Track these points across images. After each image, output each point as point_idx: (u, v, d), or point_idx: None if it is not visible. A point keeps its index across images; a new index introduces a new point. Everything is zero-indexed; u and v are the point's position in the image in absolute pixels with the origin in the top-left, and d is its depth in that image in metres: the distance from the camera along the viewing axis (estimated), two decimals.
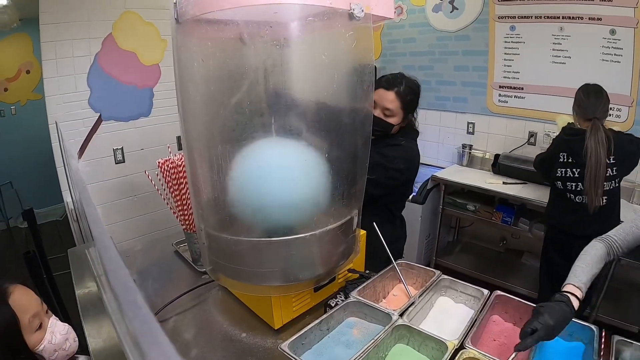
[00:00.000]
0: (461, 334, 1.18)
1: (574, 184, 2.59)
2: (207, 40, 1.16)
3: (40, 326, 1.33)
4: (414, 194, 3.70)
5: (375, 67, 4.49)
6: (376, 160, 1.81)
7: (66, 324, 1.42)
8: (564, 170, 2.61)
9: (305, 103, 1.17)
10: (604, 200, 2.53)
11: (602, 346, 1.17)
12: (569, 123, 2.71)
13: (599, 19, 3.29)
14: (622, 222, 2.32)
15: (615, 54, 3.28)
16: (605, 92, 2.55)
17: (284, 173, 1.12)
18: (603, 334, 1.20)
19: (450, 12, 3.99)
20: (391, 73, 1.99)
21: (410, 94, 1.93)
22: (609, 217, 2.61)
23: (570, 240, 2.63)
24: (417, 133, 2.09)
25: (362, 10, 1.02)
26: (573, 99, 2.64)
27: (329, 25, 1.12)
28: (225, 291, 1.62)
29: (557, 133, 2.82)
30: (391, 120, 1.91)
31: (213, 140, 1.19)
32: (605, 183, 2.49)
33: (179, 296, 1.56)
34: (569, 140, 2.58)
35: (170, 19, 1.07)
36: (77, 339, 1.43)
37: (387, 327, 1.18)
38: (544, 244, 2.95)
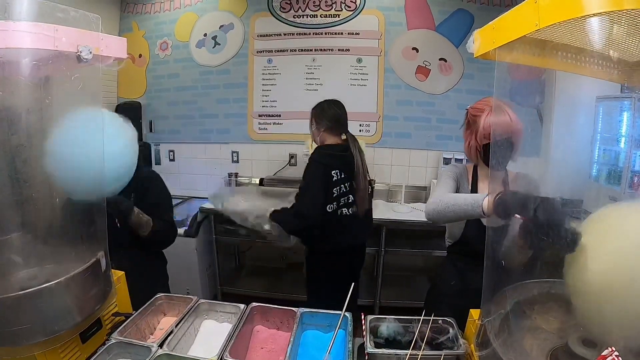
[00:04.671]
0: (220, 349, 1.25)
1: (345, 198, 2.54)
2: None
3: None
4: (185, 227, 3.68)
5: (140, 104, 4.48)
6: (163, 198, 2.16)
7: None
8: (339, 187, 2.50)
9: (34, 147, 1.14)
10: (369, 204, 2.66)
11: (364, 327, 1.33)
12: (316, 147, 2.63)
13: (348, 50, 3.94)
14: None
15: (362, 79, 3.95)
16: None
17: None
18: (362, 316, 1.36)
19: (213, 47, 4.22)
20: None
21: None
22: (370, 222, 2.80)
23: (346, 257, 2.67)
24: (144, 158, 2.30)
25: (91, 52, 1.03)
26: (315, 117, 2.63)
27: (57, 68, 1.13)
28: None
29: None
30: None
31: None
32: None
33: None
34: (341, 156, 2.51)
35: None
36: None
37: None
38: (313, 266, 2.81)
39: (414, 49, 3.86)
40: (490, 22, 1.05)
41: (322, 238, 2.57)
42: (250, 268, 4.61)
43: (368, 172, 2.70)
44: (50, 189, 1.16)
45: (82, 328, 1.33)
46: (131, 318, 1.44)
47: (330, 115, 2.57)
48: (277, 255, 4.50)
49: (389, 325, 1.40)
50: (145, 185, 2.04)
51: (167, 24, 4.38)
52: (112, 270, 1.45)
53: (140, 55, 4.46)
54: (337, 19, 3.91)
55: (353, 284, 1.41)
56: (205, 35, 4.24)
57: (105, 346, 1.29)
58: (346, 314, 1.39)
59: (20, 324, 1.11)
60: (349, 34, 3.92)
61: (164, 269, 2.32)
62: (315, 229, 2.51)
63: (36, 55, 1.01)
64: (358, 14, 3.87)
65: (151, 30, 4.46)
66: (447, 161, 3.75)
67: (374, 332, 1.39)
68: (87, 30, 1.05)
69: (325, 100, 2.66)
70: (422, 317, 1.39)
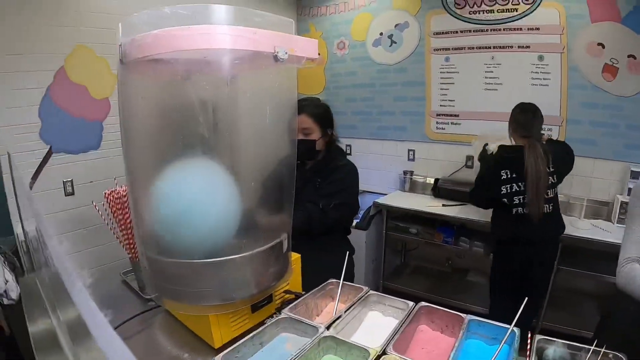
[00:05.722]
0: (384, 341, 1.28)
1: (521, 197, 2.69)
2: (147, 78, 1.28)
3: None
4: (357, 220, 3.83)
5: (319, 99, 4.69)
6: (333, 187, 2.15)
7: None
8: (509, 186, 2.70)
9: (233, 137, 1.28)
10: (550, 208, 2.71)
11: (529, 346, 1.27)
12: (500, 145, 2.85)
13: (528, 47, 3.66)
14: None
15: (544, 78, 3.63)
16: (540, 110, 2.73)
17: (211, 201, 1.23)
18: (529, 335, 1.30)
19: (389, 46, 4.29)
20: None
21: (319, 109, 2.23)
22: (556, 222, 2.82)
23: (523, 250, 2.79)
24: (344, 152, 2.40)
25: (286, 53, 1.11)
26: (509, 118, 2.83)
27: (256, 66, 1.25)
28: (170, 316, 1.68)
29: (475, 155, 3.10)
30: (312, 137, 2.18)
31: (148, 171, 1.30)
32: (548, 191, 2.67)
33: (124, 322, 1.60)
34: (510, 158, 2.70)
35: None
36: None
37: (313, 339, 1.27)
38: (495, 262, 3.08)
39: (599, 44, 3.39)
40: None
41: (500, 230, 2.96)
42: (414, 267, 4.63)
43: (554, 181, 2.72)
44: (248, 175, 1.31)
45: (256, 300, 1.46)
46: (303, 297, 1.54)
47: (514, 118, 2.78)
48: (443, 258, 4.44)
49: (556, 349, 1.31)
50: (335, 173, 2.20)
51: (343, 25, 4.57)
52: (291, 252, 1.55)
53: (318, 54, 4.68)
54: (514, 13, 3.64)
55: (527, 298, 1.36)
56: (381, 34, 4.33)
57: (275, 319, 1.40)
58: (514, 329, 1.33)
59: (203, 287, 1.28)
60: (528, 29, 3.63)
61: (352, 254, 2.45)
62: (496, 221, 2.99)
63: (237, 55, 1.12)
64: (537, 7, 3.55)
65: (328, 30, 4.70)
66: (635, 175, 3.27)
67: (539, 353, 1.31)
68: (282, 33, 1.14)
69: (519, 103, 2.83)
70: (592, 347, 1.29)
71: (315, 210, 2.09)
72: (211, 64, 1.17)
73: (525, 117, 2.74)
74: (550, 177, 2.68)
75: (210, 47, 1.02)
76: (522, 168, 2.65)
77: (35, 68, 3.05)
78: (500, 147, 2.82)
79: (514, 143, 2.80)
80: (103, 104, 3.45)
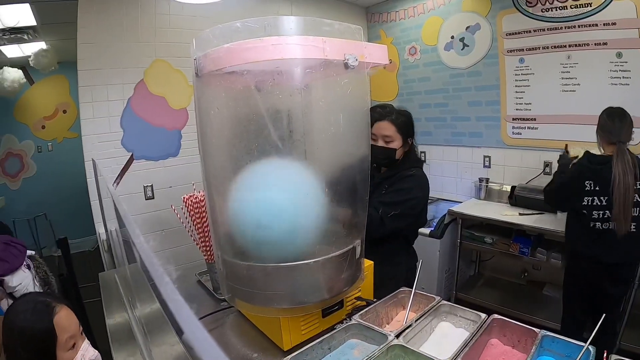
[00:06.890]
0: (453, 354, 1.24)
1: (600, 212, 2.55)
2: (221, 90, 1.33)
3: (73, 346, 1.50)
4: (431, 228, 3.76)
5: (392, 106, 4.67)
6: (397, 196, 2.07)
7: (96, 351, 1.58)
8: (590, 199, 2.56)
9: (307, 144, 1.31)
10: (633, 227, 2.50)
11: None
12: (586, 151, 2.70)
13: (605, 44, 3.38)
14: None
15: (623, 77, 3.34)
16: (629, 115, 2.56)
17: (286, 207, 1.26)
18: (605, 354, 1.22)
19: (461, 49, 4.18)
20: (379, 105, 2.17)
21: (402, 117, 2.15)
22: (637, 243, 2.58)
23: (595, 268, 2.64)
24: (422, 162, 2.28)
25: (356, 60, 1.12)
26: (596, 124, 2.66)
27: (327, 74, 1.27)
28: (241, 316, 1.73)
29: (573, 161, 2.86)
30: (392, 145, 2.10)
31: (225, 177, 1.34)
32: (633, 209, 2.47)
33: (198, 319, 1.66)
34: (596, 169, 2.54)
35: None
36: None
37: (382, 346, 1.27)
38: (567, 275, 2.93)
39: None
40: None
41: (575, 243, 2.75)
42: (487, 278, 4.47)
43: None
44: (322, 182, 1.33)
45: (327, 305, 1.48)
46: (373, 305, 1.54)
47: (601, 123, 2.62)
48: (519, 270, 4.25)
49: None
50: (403, 181, 2.12)
51: (414, 30, 4.52)
52: (364, 259, 1.54)
53: (390, 61, 4.67)
54: (589, 8, 3.36)
55: (604, 315, 1.29)
56: (452, 37, 4.24)
57: (345, 325, 1.41)
58: (589, 347, 1.27)
59: (275, 290, 1.30)
60: (604, 24, 3.33)
61: (413, 265, 2.37)
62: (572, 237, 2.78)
63: (308, 64, 1.15)
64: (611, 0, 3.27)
65: (398, 36, 4.66)
66: None
67: None
68: (351, 40, 1.15)
69: (606, 108, 2.67)
70: None
71: (375, 216, 2.01)
72: (283, 73, 1.20)
73: (612, 121, 2.57)
74: (636, 194, 2.47)
75: (282, 58, 1.05)
76: (608, 180, 2.47)
77: (116, 81, 3.29)
78: (587, 154, 2.66)
79: (602, 152, 2.62)
80: (181, 114, 3.63)
